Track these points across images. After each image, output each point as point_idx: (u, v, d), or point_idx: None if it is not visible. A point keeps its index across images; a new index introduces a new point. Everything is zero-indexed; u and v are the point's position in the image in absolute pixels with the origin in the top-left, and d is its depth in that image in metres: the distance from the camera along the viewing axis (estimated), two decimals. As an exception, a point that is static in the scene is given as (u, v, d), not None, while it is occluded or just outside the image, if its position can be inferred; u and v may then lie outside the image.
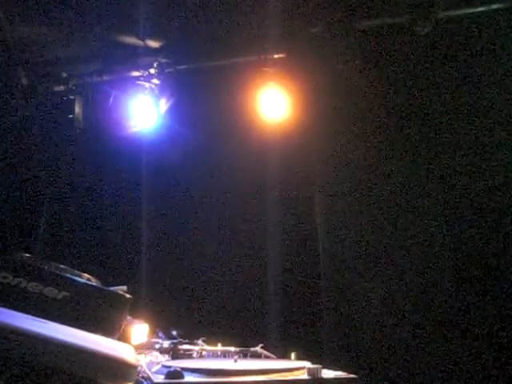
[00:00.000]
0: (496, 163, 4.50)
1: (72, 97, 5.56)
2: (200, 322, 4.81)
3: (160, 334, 3.41)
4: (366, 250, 4.77)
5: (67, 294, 2.49)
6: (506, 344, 4.23)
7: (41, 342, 2.07)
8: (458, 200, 4.57)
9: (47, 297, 2.46)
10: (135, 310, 2.97)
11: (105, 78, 5.46)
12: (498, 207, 4.42)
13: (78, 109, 5.56)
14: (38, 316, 2.27)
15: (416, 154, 4.76)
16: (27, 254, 2.79)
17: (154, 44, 5.15)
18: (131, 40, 5.04)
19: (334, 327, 4.79)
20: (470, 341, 4.32)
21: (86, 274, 2.79)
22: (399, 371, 4.42)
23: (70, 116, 5.54)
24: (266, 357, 3.12)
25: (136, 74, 5.40)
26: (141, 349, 3.06)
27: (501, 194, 4.42)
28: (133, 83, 5.40)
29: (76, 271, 2.75)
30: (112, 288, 2.78)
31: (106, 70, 5.44)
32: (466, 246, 4.50)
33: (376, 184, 4.82)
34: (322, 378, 2.50)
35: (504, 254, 4.34)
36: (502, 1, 4.32)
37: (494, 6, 4.32)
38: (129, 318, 2.89)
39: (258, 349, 3.15)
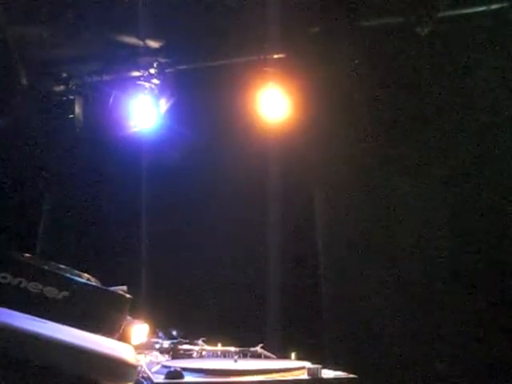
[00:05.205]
0: (497, 163, 4.50)
1: (72, 97, 5.57)
2: (200, 322, 4.81)
3: (160, 334, 3.41)
4: (366, 249, 4.77)
5: (67, 293, 2.49)
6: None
7: (41, 341, 2.07)
8: (460, 196, 4.58)
9: (47, 297, 2.46)
10: (135, 310, 2.97)
11: (105, 77, 5.47)
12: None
13: (77, 109, 5.56)
14: (38, 316, 2.27)
15: (417, 153, 4.76)
16: (27, 254, 2.79)
17: (154, 44, 5.15)
18: (131, 40, 5.04)
19: (333, 327, 4.79)
20: (471, 341, 4.32)
21: (86, 274, 2.79)
22: (399, 371, 4.42)
23: (70, 116, 5.55)
24: (266, 357, 3.12)
25: (136, 73, 5.40)
26: (141, 349, 3.06)
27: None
28: (133, 83, 5.41)
29: (76, 271, 2.75)
30: (112, 288, 2.78)
31: (106, 69, 5.44)
32: (468, 242, 4.50)
33: (376, 182, 4.81)
34: (322, 378, 2.50)
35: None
36: (502, 1, 4.32)
37: (494, 6, 4.32)
38: (129, 318, 2.89)
39: (258, 349, 3.14)
